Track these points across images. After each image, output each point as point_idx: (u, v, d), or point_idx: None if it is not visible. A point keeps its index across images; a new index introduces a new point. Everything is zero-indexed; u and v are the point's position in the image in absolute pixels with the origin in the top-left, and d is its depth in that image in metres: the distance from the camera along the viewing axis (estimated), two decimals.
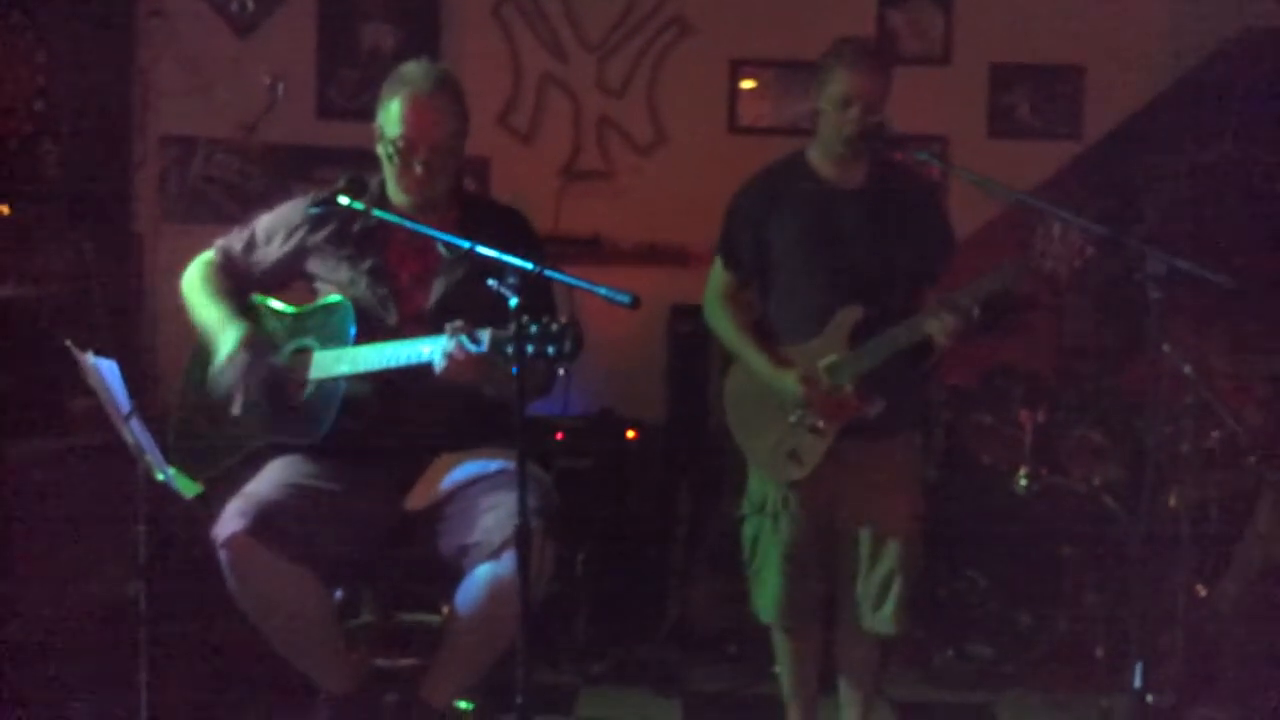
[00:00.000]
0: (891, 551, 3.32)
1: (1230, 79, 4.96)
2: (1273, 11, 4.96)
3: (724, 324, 3.45)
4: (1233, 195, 4.97)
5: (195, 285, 3.17)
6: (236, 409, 3.06)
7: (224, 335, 3.06)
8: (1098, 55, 5.13)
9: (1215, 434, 4.15)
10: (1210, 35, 5.04)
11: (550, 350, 2.51)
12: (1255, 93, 4.92)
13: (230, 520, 2.83)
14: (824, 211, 3.30)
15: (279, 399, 3.08)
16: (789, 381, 3.27)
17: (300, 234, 3.13)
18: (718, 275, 3.47)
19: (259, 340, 3.06)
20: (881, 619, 3.36)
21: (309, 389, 3.04)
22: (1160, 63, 5.09)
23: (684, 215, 4.91)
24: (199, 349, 3.22)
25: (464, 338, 2.69)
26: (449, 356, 2.74)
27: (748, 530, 3.47)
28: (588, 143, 5.18)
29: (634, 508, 4.67)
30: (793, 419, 3.29)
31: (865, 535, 3.34)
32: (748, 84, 5.18)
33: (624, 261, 5.02)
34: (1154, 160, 5.11)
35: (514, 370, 2.53)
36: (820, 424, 3.26)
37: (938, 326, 3.16)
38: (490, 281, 2.57)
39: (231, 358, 3.02)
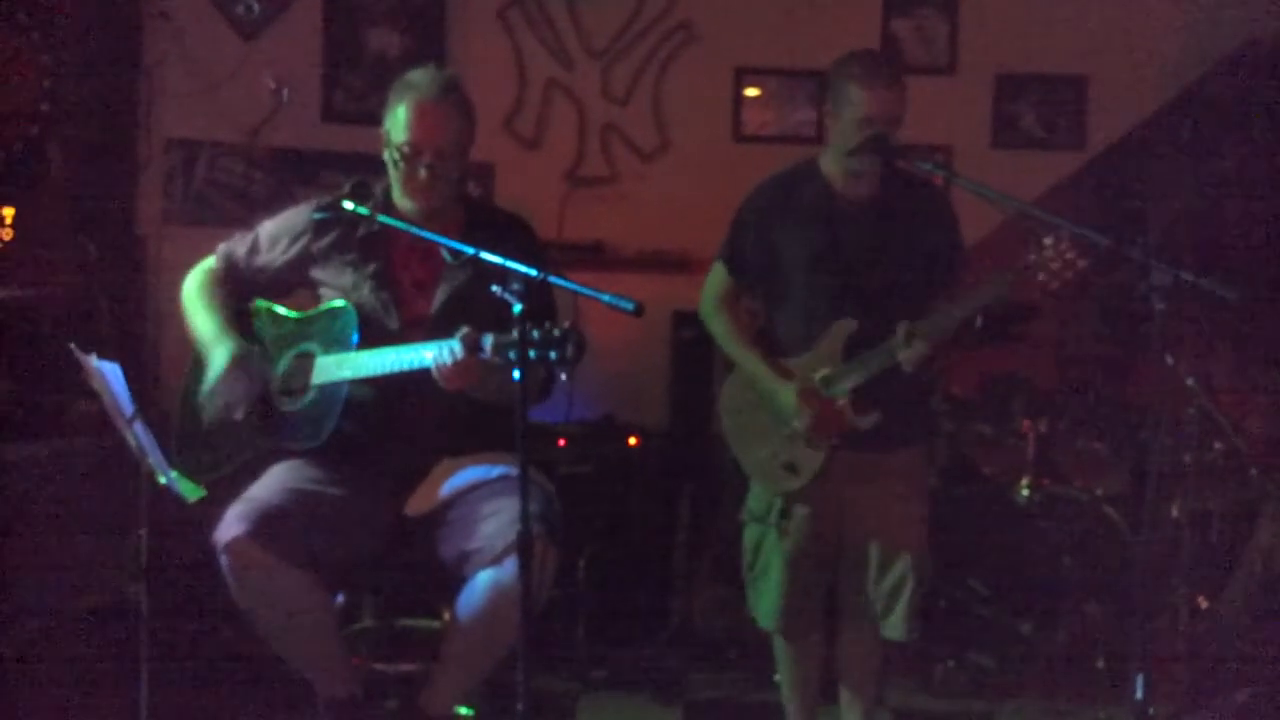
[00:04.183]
0: (903, 562, 3.32)
1: (1235, 90, 4.96)
2: (1277, 22, 4.96)
3: (722, 329, 3.44)
4: (1237, 206, 4.96)
5: (192, 295, 3.17)
6: (238, 414, 3.06)
7: (214, 353, 3.05)
8: (1103, 66, 5.12)
9: (1217, 446, 4.15)
10: (1215, 46, 5.03)
11: (553, 355, 2.52)
12: (1260, 103, 4.92)
13: (231, 524, 2.84)
14: (831, 223, 3.27)
15: (277, 406, 3.08)
16: (787, 393, 3.27)
17: (304, 240, 3.13)
18: (718, 278, 3.45)
19: (248, 358, 3.06)
20: (892, 625, 3.36)
21: (311, 394, 3.04)
22: (1165, 73, 5.08)
23: (687, 222, 4.90)
24: (200, 354, 3.22)
25: (461, 342, 2.70)
26: (443, 362, 2.75)
27: (749, 536, 3.46)
28: (592, 149, 5.18)
29: (635, 514, 4.66)
30: (788, 430, 3.29)
31: (874, 549, 3.33)
32: (752, 92, 5.18)
33: (627, 268, 5.01)
34: (1159, 171, 5.10)
35: (516, 375, 2.53)
36: (816, 436, 3.26)
37: (906, 355, 3.14)
38: (494, 287, 2.58)
39: (221, 378, 3.02)
